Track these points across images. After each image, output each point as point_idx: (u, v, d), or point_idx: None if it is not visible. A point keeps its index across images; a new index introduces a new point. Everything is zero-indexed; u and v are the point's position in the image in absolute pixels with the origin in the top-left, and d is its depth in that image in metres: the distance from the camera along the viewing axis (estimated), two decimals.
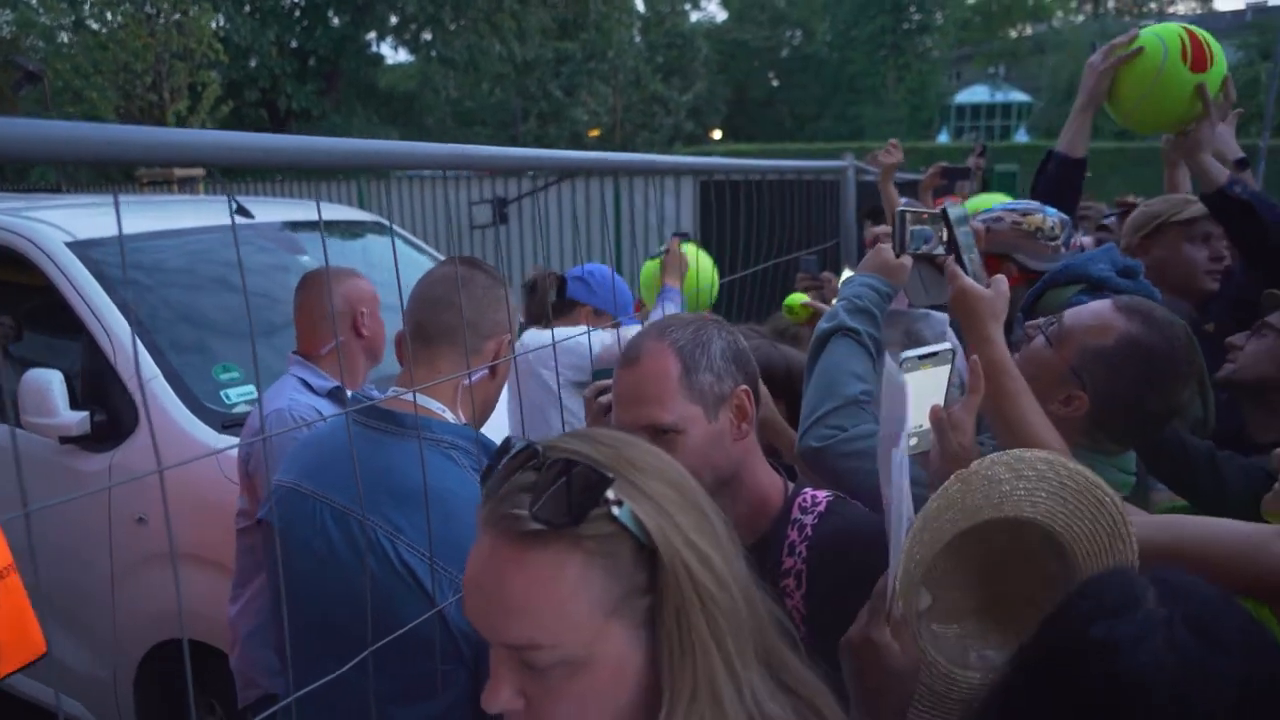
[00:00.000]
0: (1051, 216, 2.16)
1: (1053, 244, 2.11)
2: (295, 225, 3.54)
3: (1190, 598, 0.75)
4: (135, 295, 2.77)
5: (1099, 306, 1.48)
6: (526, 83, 18.53)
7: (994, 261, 2.15)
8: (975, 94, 40.01)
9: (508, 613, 0.73)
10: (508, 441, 0.78)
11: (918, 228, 1.70)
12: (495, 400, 1.51)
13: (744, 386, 1.28)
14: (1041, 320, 1.53)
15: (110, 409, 2.57)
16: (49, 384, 2.49)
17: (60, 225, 2.89)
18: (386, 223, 4.10)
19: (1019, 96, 38.27)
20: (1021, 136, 35.70)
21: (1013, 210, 2.18)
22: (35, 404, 2.49)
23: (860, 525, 1.26)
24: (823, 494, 1.31)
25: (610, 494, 0.73)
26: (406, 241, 4.05)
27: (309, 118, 14.39)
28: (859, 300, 1.60)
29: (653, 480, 0.77)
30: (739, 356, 1.30)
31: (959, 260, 1.63)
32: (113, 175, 8.41)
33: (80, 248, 2.80)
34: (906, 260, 1.64)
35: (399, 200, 8.45)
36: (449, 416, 1.36)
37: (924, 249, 1.70)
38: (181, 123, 8.65)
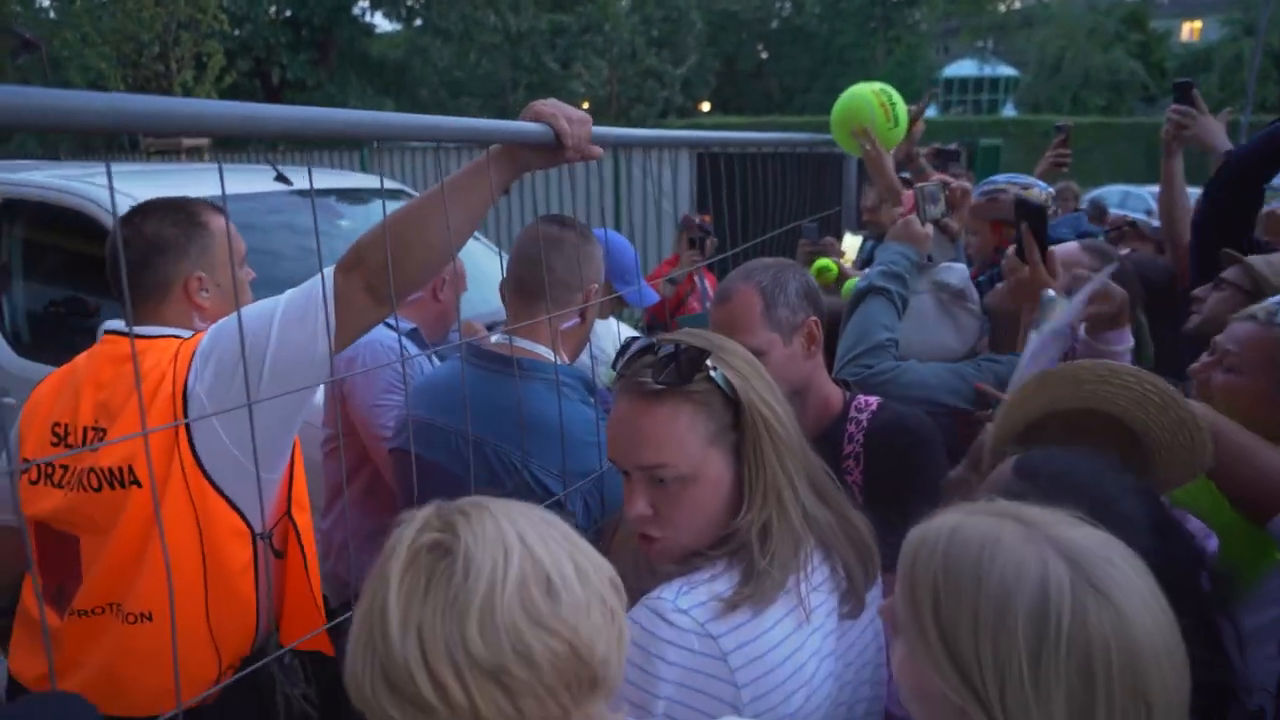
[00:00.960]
0: (1043, 190, 2.52)
1: (1053, 210, 2.48)
2: (332, 193, 3.80)
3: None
4: None
5: (1069, 249, 1.92)
6: (520, 53, 18.58)
7: (998, 226, 2.48)
8: (963, 68, 40.11)
9: (643, 444, 1.09)
10: (630, 340, 1.13)
11: (930, 191, 2.14)
12: (586, 341, 1.83)
13: (814, 318, 1.65)
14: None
15: None
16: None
17: (122, 190, 3.15)
18: (407, 190, 4.36)
19: (1006, 70, 38.40)
20: (1009, 111, 35.93)
21: (1014, 183, 2.53)
22: None
23: (905, 418, 1.62)
24: (874, 399, 1.68)
25: (708, 363, 1.08)
26: None
27: (303, 88, 14.47)
28: (894, 266, 2.00)
29: (736, 359, 1.13)
30: (810, 294, 1.66)
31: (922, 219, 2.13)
32: (120, 144, 8.59)
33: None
34: (929, 228, 2.05)
35: (402, 170, 8.65)
36: (549, 356, 1.66)
37: (933, 214, 2.13)
38: (188, 93, 8.82)
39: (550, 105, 1.38)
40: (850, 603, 1.15)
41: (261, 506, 1.47)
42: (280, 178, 3.61)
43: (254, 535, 1.52)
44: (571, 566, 0.78)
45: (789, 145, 3.48)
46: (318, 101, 15.47)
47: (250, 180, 3.70)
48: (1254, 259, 2.03)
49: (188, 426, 1.43)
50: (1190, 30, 37.81)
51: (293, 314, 1.38)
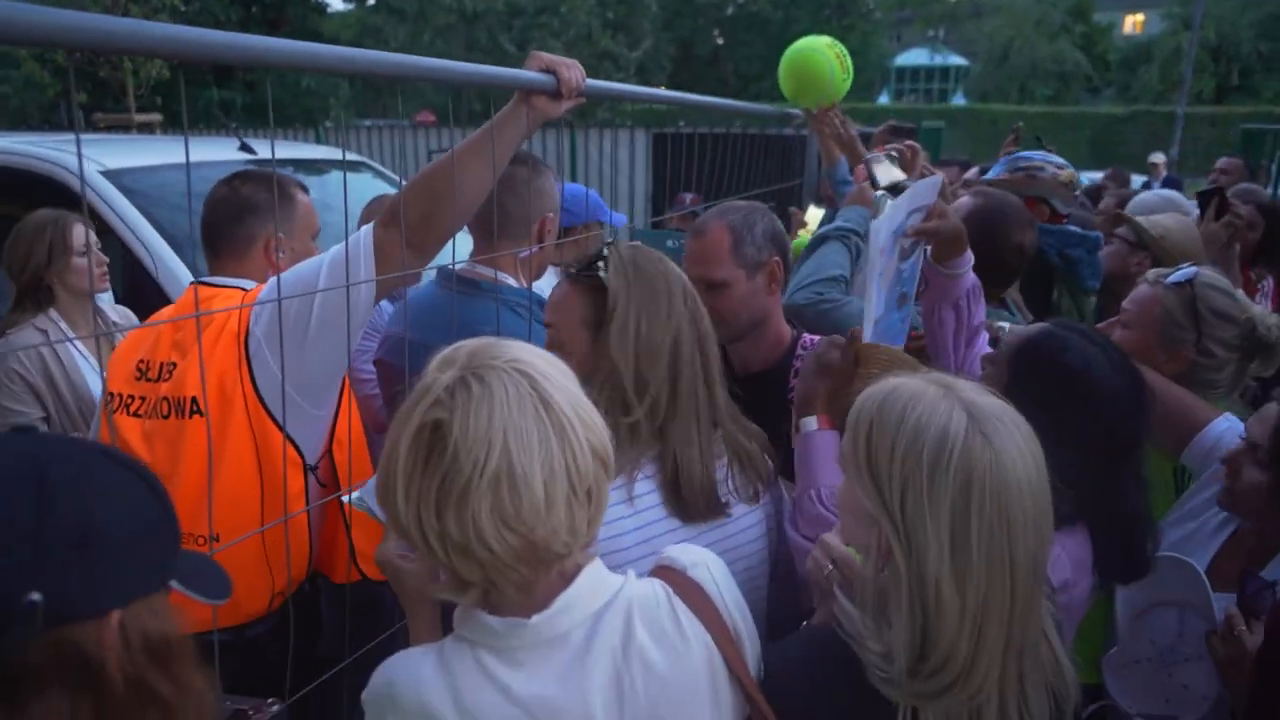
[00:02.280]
0: (1071, 172, 2.74)
1: (1076, 194, 2.70)
2: (290, 163, 3.90)
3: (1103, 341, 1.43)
4: (166, 216, 3.13)
5: (960, 200, 2.15)
6: (475, 34, 18.51)
7: (1031, 203, 2.72)
8: (915, 57, 40.76)
9: (548, 309, 1.41)
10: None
11: (882, 168, 2.42)
12: (546, 264, 2.02)
13: (777, 258, 1.82)
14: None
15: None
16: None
17: (90, 156, 3.23)
18: (369, 162, 4.46)
19: (957, 60, 39.10)
20: (959, 99, 36.63)
21: (1050, 163, 2.74)
22: None
23: None
24: (818, 337, 1.86)
25: (599, 265, 1.35)
26: (382, 176, 4.42)
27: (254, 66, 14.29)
28: (849, 222, 2.27)
29: (628, 265, 1.38)
30: (776, 237, 1.83)
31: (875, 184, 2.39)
32: (73, 120, 8.48)
33: (112, 175, 3.15)
34: (881, 193, 2.32)
35: (357, 148, 8.68)
36: (512, 282, 1.87)
37: (885, 179, 2.41)
38: (137, 68, 8.72)
39: (548, 55, 1.55)
40: (670, 501, 1.37)
41: (305, 440, 1.65)
42: (244, 147, 3.71)
43: (305, 466, 1.68)
44: (543, 468, 0.89)
45: (757, 114, 3.65)
46: (270, 80, 15.26)
47: (214, 150, 3.79)
48: (1139, 218, 2.33)
49: (249, 363, 1.61)
50: (1133, 23, 38.83)
51: (338, 265, 1.54)
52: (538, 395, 0.92)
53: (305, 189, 1.94)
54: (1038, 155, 2.81)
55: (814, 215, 4.08)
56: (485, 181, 1.55)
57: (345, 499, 1.32)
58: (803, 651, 1.08)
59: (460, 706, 0.95)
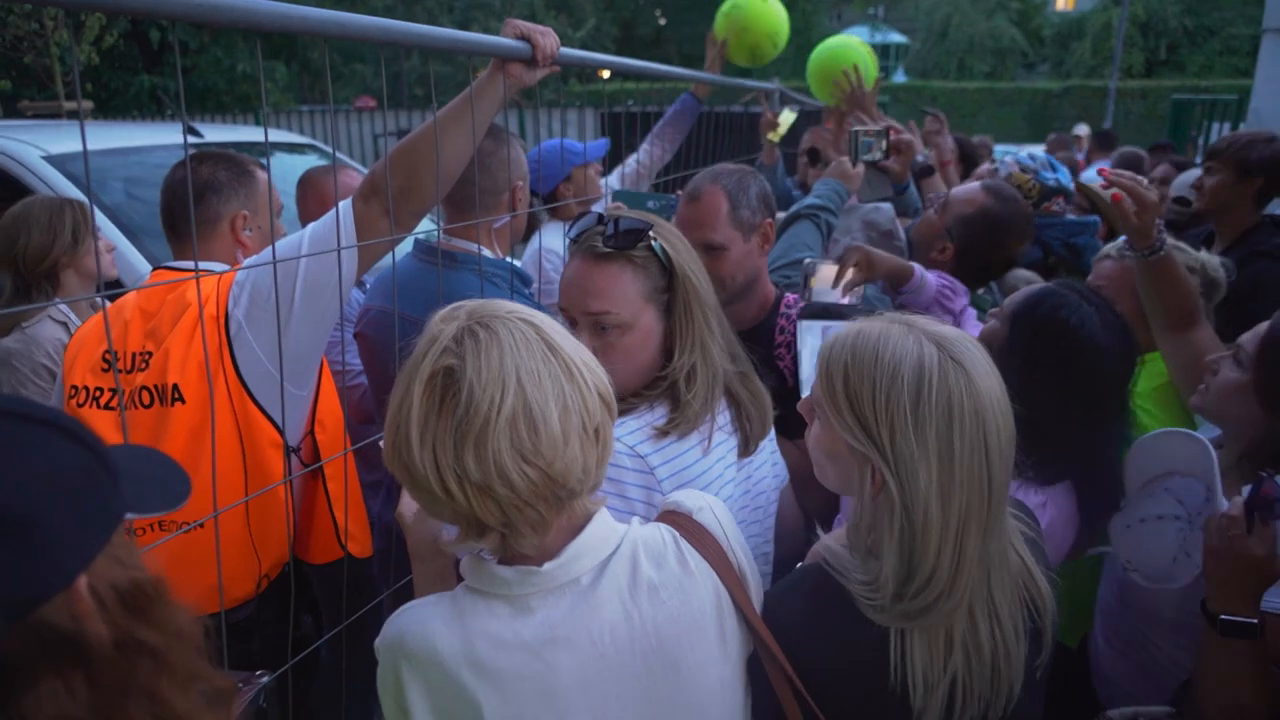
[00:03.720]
0: (1039, 181, 2.77)
1: (1026, 200, 2.74)
2: (239, 146, 3.82)
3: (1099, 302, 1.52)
4: (114, 202, 3.06)
5: (972, 187, 2.23)
6: (416, 14, 18.16)
7: None
8: (855, 34, 41.11)
9: (591, 295, 1.32)
10: (589, 214, 1.37)
11: (865, 140, 2.49)
12: (521, 232, 2.04)
13: (768, 219, 1.88)
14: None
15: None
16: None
17: (32, 142, 3.13)
18: (323, 146, 4.39)
19: (896, 38, 39.55)
20: (899, 77, 37.10)
21: (1019, 163, 2.79)
22: None
23: (825, 311, 1.88)
24: (798, 297, 1.98)
25: (650, 235, 1.32)
26: (328, 159, 4.36)
27: (186, 51, 13.82)
28: (822, 198, 2.37)
29: (671, 235, 1.37)
30: (766, 198, 1.88)
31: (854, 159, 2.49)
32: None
33: (55, 161, 3.06)
34: (860, 168, 2.41)
35: (301, 133, 8.50)
36: (487, 253, 1.86)
37: (868, 157, 2.48)
38: (64, 53, 8.38)
39: (523, 22, 1.55)
40: (742, 444, 1.43)
41: (288, 420, 1.64)
42: (192, 130, 3.62)
43: (287, 448, 1.67)
44: (557, 405, 0.93)
45: (721, 85, 3.67)
46: (204, 65, 14.83)
47: (158, 134, 3.70)
48: (1094, 189, 2.44)
49: (230, 345, 1.59)
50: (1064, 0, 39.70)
51: (319, 241, 1.54)
52: (544, 341, 0.96)
53: (264, 166, 1.92)
54: (1021, 156, 2.85)
55: (786, 118, 4.11)
56: (463, 151, 1.55)
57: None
58: (797, 586, 1.13)
59: (471, 656, 0.97)
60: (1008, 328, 1.58)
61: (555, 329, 0.99)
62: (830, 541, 1.15)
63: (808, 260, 2.07)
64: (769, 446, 1.53)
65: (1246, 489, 1.24)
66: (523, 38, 1.52)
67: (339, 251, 1.45)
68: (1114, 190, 1.70)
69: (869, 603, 1.05)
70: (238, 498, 1.61)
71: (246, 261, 1.66)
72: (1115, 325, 1.53)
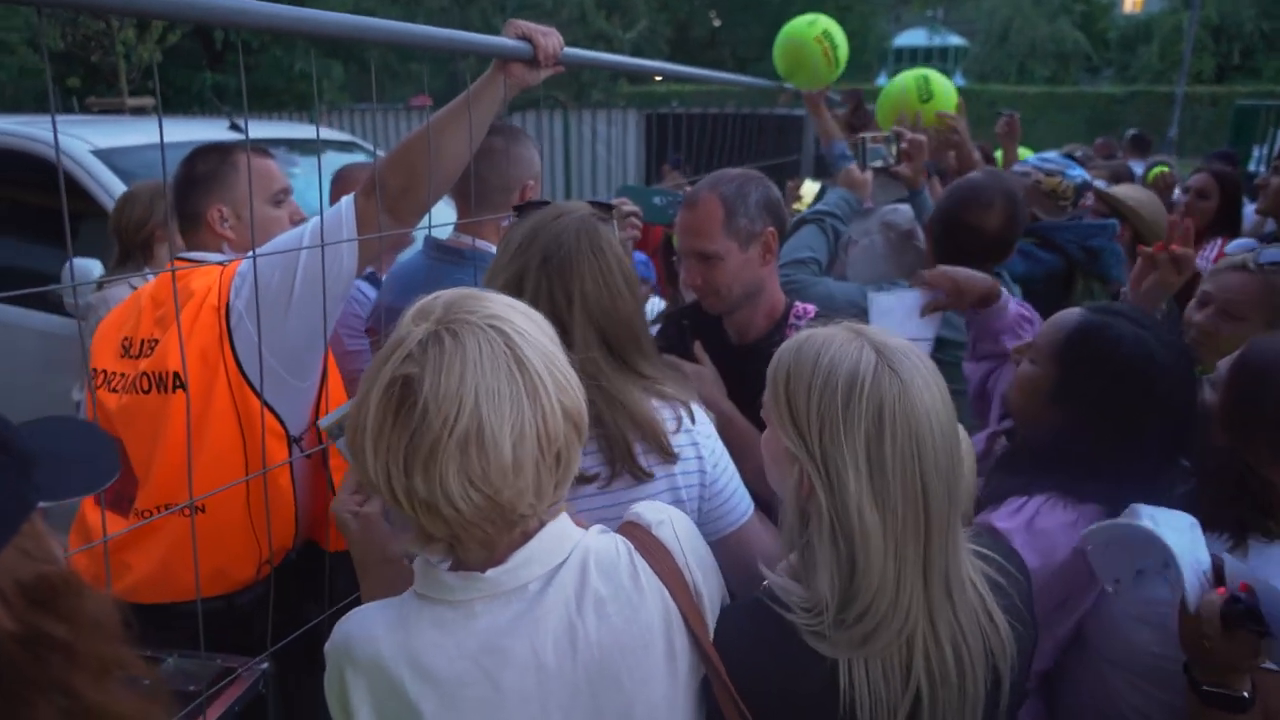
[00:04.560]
0: (1069, 179, 2.67)
1: (1062, 204, 2.66)
2: (283, 142, 3.91)
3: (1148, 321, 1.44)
4: None
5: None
6: (469, 15, 18.38)
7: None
8: (913, 37, 40.47)
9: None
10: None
11: (873, 147, 2.46)
12: None
13: (771, 229, 1.80)
14: None
15: None
16: (90, 271, 2.88)
17: (81, 136, 3.24)
18: (364, 145, 4.47)
19: (955, 40, 38.87)
20: (958, 80, 36.49)
21: (1040, 169, 2.71)
22: (86, 291, 2.88)
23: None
24: (812, 306, 1.90)
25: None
26: (372, 155, 4.43)
27: (248, 50, 14.22)
28: (830, 205, 2.35)
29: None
30: (770, 206, 1.80)
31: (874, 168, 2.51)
32: (69, 106, 8.47)
33: (103, 155, 3.17)
34: (868, 174, 2.36)
35: (350, 129, 8.66)
36: (495, 251, 1.88)
37: (878, 164, 2.46)
38: (130, 51, 8.68)
39: (525, 23, 1.55)
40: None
41: (288, 411, 1.67)
42: (234, 126, 3.72)
43: (289, 438, 1.69)
44: (513, 430, 0.89)
45: (739, 85, 3.65)
46: (265, 64, 15.23)
47: (205, 130, 3.80)
48: (1114, 189, 2.38)
49: (230, 336, 1.62)
50: (1132, 2, 38.57)
51: (318, 236, 1.55)
52: (512, 354, 0.91)
53: (269, 154, 1.94)
54: (1031, 161, 2.80)
55: (809, 188, 4.12)
56: (464, 151, 1.56)
57: (319, 424, 1.32)
58: (744, 616, 1.09)
59: (413, 661, 0.96)
60: (1056, 370, 1.46)
61: (529, 336, 0.94)
62: (777, 577, 1.11)
63: (871, 293, 2.02)
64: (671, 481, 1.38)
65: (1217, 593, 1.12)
66: (524, 37, 1.52)
67: (322, 247, 1.47)
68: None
69: (811, 630, 1.02)
70: (237, 485, 1.64)
71: (243, 264, 1.69)
72: (1174, 344, 1.42)
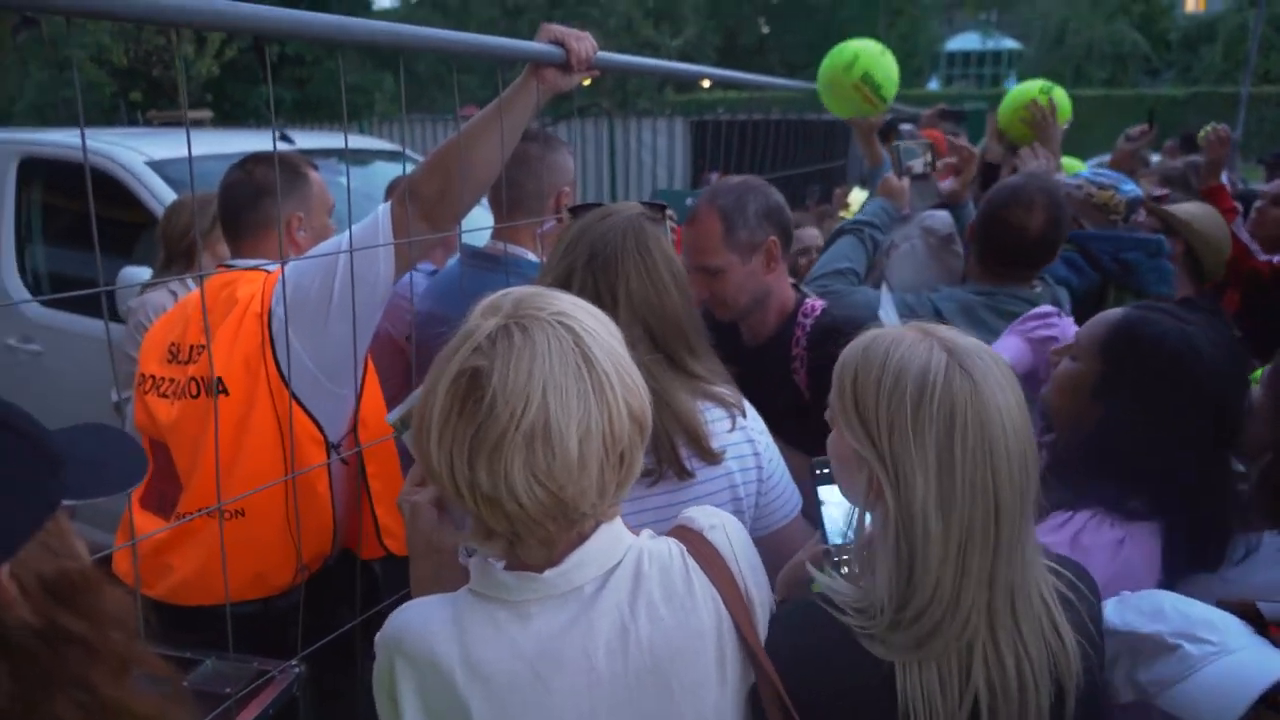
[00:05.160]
0: (1122, 194, 2.63)
1: (1113, 218, 2.61)
2: (334, 153, 3.99)
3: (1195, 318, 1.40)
4: None
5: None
6: (518, 26, 18.63)
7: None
8: (966, 41, 39.88)
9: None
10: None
11: (907, 146, 2.46)
12: None
13: (773, 238, 1.78)
14: None
15: None
16: (139, 278, 2.95)
17: (136, 148, 3.34)
18: (409, 153, 4.52)
19: (1009, 43, 38.18)
20: (1011, 84, 35.82)
21: (1092, 182, 2.67)
22: (131, 295, 2.95)
23: (840, 321, 1.82)
24: (820, 303, 1.89)
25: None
26: None
27: (302, 62, 14.58)
28: (868, 215, 2.36)
29: None
30: (771, 213, 1.79)
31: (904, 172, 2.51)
32: (132, 118, 8.77)
33: (156, 166, 3.26)
34: (905, 182, 2.35)
35: (401, 139, 8.79)
36: (531, 257, 1.89)
37: (912, 166, 2.45)
38: (189, 65, 8.95)
39: (558, 27, 1.55)
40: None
41: (327, 418, 1.69)
42: (284, 137, 3.79)
43: (328, 445, 1.71)
44: (579, 426, 0.89)
45: (775, 89, 3.63)
46: (317, 76, 15.59)
47: (253, 142, 3.89)
48: (1169, 208, 2.30)
49: (271, 342, 1.65)
50: (1195, 1, 37.49)
51: (359, 242, 1.57)
52: (580, 351, 0.91)
53: (315, 166, 1.98)
54: (1085, 174, 2.75)
55: (856, 197, 4.08)
56: (497, 156, 1.57)
57: (386, 418, 1.33)
58: (796, 620, 1.08)
59: (467, 659, 0.95)
60: (1100, 365, 1.45)
61: (598, 335, 0.94)
62: (817, 573, 1.10)
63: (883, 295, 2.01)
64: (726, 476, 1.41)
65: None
66: (557, 42, 1.52)
67: (350, 253, 1.48)
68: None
69: (864, 633, 1.00)
70: (276, 490, 1.66)
71: (292, 263, 1.71)
72: (1225, 340, 1.39)
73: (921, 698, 0.97)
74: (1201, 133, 3.26)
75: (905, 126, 4.47)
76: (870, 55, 2.81)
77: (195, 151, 3.56)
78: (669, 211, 1.45)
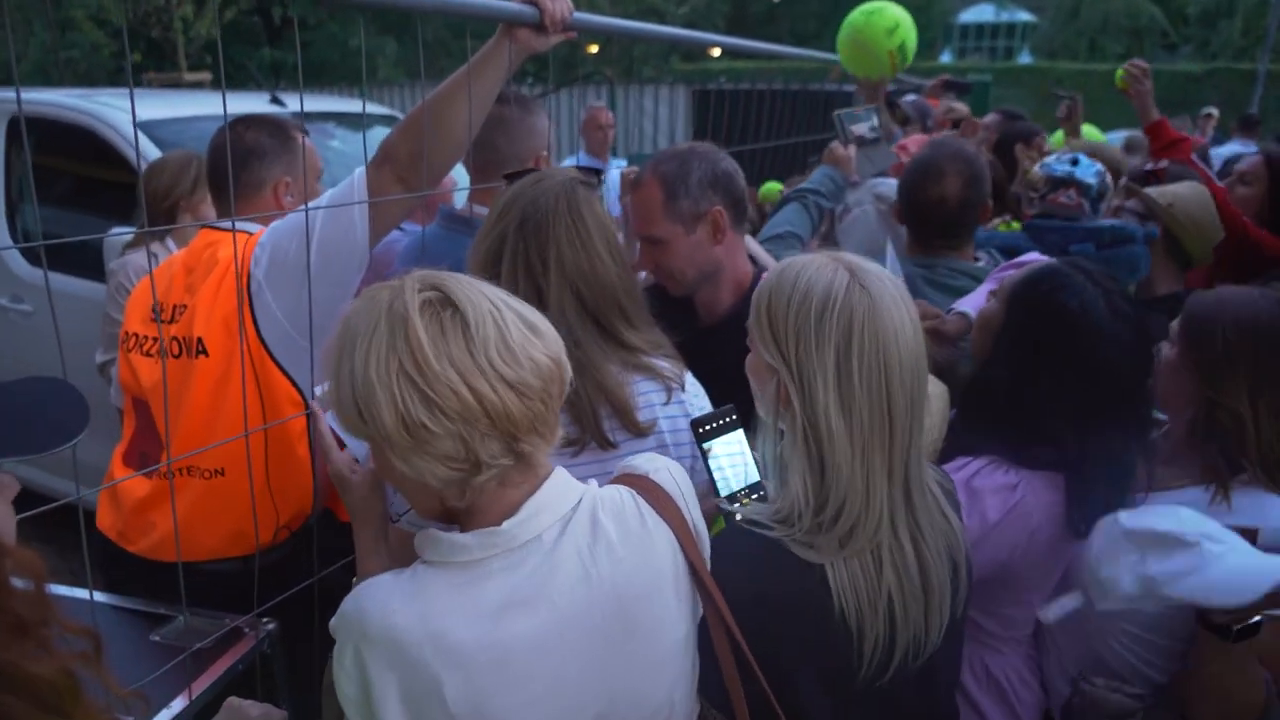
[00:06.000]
0: (1044, 170, 2.57)
1: (1031, 195, 2.61)
2: (332, 116, 3.97)
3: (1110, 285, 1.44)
4: None
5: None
6: None
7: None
8: (980, 13, 39.29)
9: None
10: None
11: (850, 114, 2.50)
12: None
13: (718, 207, 1.68)
14: None
15: None
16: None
17: (125, 108, 3.32)
18: (394, 114, 4.50)
19: (1023, 16, 37.62)
20: (1025, 58, 35.27)
21: (1048, 162, 2.61)
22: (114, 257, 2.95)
23: None
24: None
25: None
26: None
27: (305, 26, 14.43)
28: (813, 183, 2.43)
29: None
30: (716, 182, 1.67)
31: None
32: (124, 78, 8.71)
33: (144, 126, 3.24)
34: (851, 150, 2.38)
35: (397, 103, 8.74)
36: None
37: (858, 132, 2.49)
38: (188, 27, 8.86)
39: None
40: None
41: (306, 380, 1.68)
42: (275, 100, 3.77)
43: (307, 405, 1.71)
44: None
45: (768, 54, 3.59)
46: (320, 39, 15.43)
47: (248, 104, 3.86)
48: (1148, 190, 2.25)
49: (251, 304, 1.65)
50: None
51: (333, 208, 1.57)
52: (504, 304, 0.97)
53: (305, 131, 1.97)
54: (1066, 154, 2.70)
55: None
56: (474, 118, 1.55)
57: (315, 395, 1.33)
58: (732, 543, 1.14)
59: (429, 630, 0.92)
60: (1004, 308, 1.50)
61: (510, 301, 0.99)
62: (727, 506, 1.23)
63: None
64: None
65: None
66: (531, 2, 1.50)
67: (306, 211, 1.47)
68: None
69: (794, 540, 1.09)
70: (256, 451, 1.66)
71: (264, 235, 1.71)
72: (1124, 313, 1.40)
73: (850, 589, 1.08)
74: (1118, 78, 3.10)
75: (909, 98, 4.43)
76: (907, 26, 2.90)
77: (188, 112, 3.57)
78: (603, 175, 1.43)
